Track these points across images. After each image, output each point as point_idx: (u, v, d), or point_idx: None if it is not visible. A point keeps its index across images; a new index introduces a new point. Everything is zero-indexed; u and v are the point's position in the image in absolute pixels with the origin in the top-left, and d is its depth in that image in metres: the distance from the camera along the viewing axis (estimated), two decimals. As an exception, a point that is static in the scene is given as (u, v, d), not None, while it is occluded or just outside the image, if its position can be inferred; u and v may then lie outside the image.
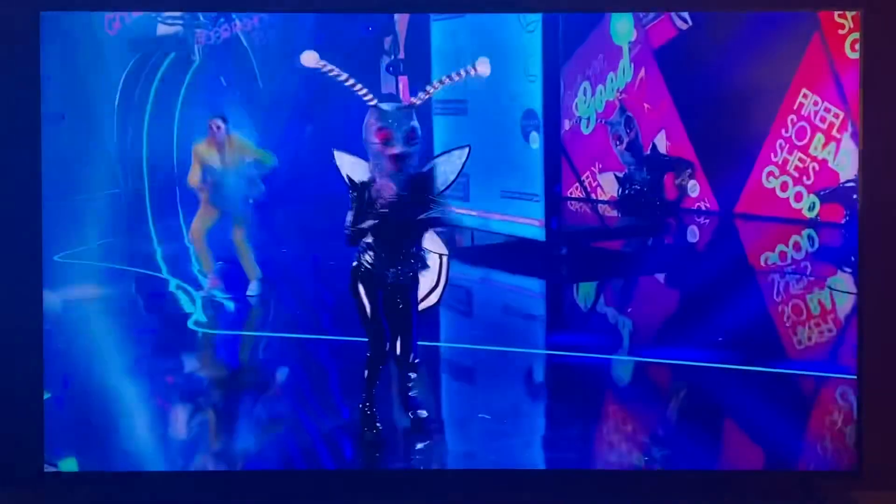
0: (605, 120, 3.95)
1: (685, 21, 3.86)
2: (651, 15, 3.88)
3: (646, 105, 3.84)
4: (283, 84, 4.09)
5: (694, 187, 3.85)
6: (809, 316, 3.77)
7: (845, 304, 3.73)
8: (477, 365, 3.91)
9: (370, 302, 3.48)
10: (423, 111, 4.00)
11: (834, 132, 3.76)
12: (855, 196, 3.70)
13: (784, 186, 3.81)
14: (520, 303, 3.90)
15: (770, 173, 3.82)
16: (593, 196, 3.87)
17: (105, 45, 4.01)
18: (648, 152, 3.89)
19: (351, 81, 3.33)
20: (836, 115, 3.74)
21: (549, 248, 3.97)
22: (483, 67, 3.37)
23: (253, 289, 4.17)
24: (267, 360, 4.05)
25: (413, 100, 3.40)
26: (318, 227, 4.02)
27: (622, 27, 3.91)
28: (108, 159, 4.11)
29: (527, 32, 3.86)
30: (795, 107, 3.80)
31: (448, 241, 3.46)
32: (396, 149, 3.31)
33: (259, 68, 4.15)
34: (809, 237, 3.79)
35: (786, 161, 3.81)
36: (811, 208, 3.78)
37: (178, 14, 4.11)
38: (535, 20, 3.87)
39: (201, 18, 4.12)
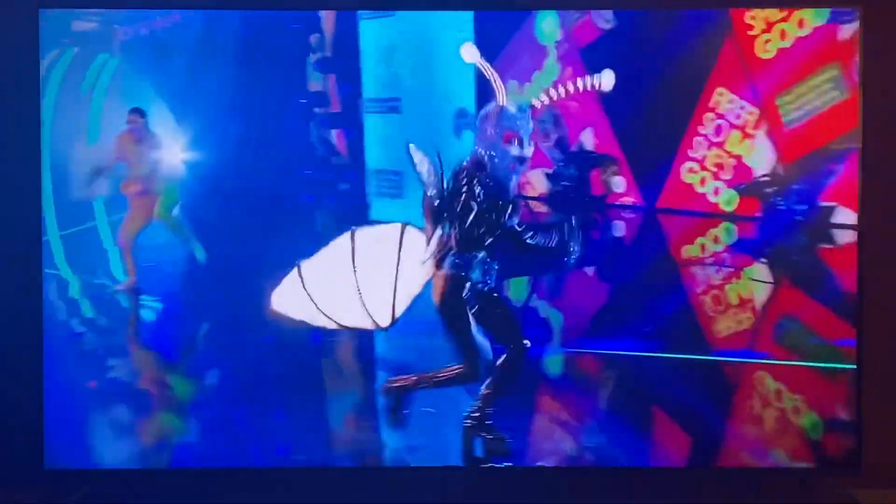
0: (533, 118, 4.02)
1: (607, 21, 3.96)
2: (575, 15, 3.96)
3: (572, 103, 3.92)
4: (209, 82, 4.02)
5: (619, 183, 3.96)
6: (728, 306, 3.96)
7: (762, 294, 3.94)
8: (414, 360, 3.96)
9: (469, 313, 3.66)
10: (356, 111, 4.04)
11: (748, 129, 3.93)
12: (768, 190, 3.91)
13: (703, 181, 3.97)
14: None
15: (689, 169, 3.97)
16: (523, 193, 3.93)
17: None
18: (575, 149, 3.98)
19: (497, 80, 3.61)
20: (751, 113, 3.92)
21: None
22: (608, 80, 3.69)
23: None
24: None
25: (535, 102, 3.63)
26: (248, 227, 3.99)
27: (547, 27, 3.98)
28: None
29: (457, 32, 3.90)
30: (712, 104, 3.96)
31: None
32: (523, 151, 3.57)
33: (182, 65, 4.04)
34: (727, 230, 3.96)
35: (704, 157, 3.96)
36: (729, 202, 3.94)
37: (95, 10, 3.99)
38: (466, 19, 3.91)
39: (119, 14, 4.00)
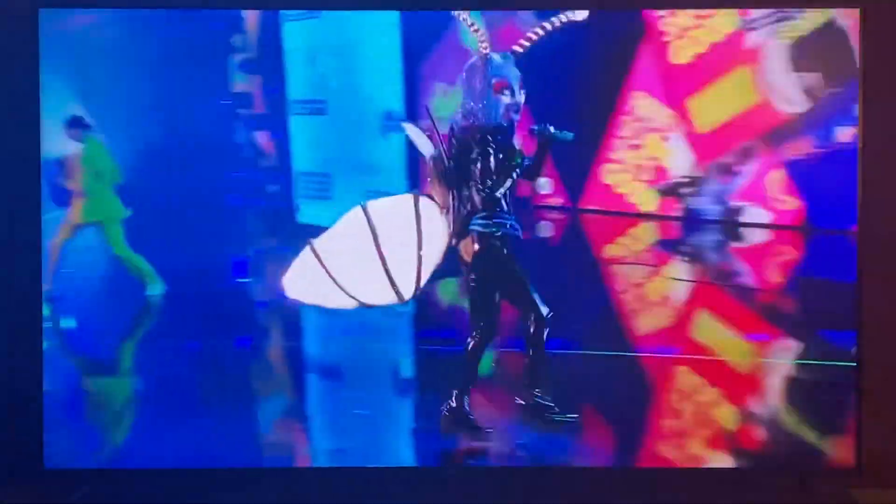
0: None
1: (531, 24, 4.01)
2: (499, 18, 4.00)
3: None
4: (130, 81, 3.93)
5: (545, 184, 4.02)
6: (649, 303, 4.07)
7: (680, 291, 4.06)
8: (343, 362, 3.97)
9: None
10: (281, 112, 4.01)
11: (665, 132, 4.05)
12: (685, 190, 4.04)
13: (623, 182, 4.07)
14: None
15: (610, 170, 4.06)
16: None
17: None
18: (502, 151, 4.01)
19: (478, 29, 3.69)
20: (668, 116, 4.04)
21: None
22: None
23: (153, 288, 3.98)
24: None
25: (516, 48, 3.67)
26: (174, 229, 3.92)
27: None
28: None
29: (384, 34, 3.90)
30: (630, 107, 4.06)
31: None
32: (516, 98, 3.61)
33: (100, 66, 3.94)
34: (647, 230, 4.06)
35: (623, 158, 4.06)
36: (648, 202, 4.05)
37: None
38: (393, 21, 3.92)
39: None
